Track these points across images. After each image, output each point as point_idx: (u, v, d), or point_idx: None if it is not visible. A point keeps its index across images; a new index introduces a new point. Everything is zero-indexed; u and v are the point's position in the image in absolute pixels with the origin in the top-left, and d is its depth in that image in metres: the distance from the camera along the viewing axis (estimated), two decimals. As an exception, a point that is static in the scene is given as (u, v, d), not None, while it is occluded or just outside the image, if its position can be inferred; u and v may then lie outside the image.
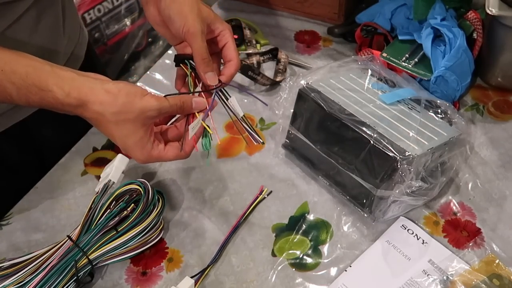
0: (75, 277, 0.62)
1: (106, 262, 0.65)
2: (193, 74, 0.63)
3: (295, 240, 0.69)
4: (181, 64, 0.64)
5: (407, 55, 0.82)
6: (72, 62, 0.81)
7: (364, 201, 0.67)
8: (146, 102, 0.56)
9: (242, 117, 0.63)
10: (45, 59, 0.73)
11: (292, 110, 0.74)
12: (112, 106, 0.54)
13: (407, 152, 0.62)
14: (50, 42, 0.74)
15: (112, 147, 0.83)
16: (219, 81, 0.62)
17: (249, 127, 0.63)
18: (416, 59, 0.81)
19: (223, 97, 0.63)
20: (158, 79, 0.95)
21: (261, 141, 0.63)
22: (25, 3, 0.67)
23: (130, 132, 0.56)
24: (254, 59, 0.92)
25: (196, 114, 0.61)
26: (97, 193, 0.68)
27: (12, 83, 0.53)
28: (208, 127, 0.62)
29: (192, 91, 0.62)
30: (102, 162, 0.79)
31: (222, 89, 0.63)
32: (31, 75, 0.54)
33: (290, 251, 0.68)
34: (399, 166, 0.61)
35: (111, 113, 0.55)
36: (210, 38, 0.63)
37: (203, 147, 0.63)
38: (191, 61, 0.62)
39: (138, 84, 0.94)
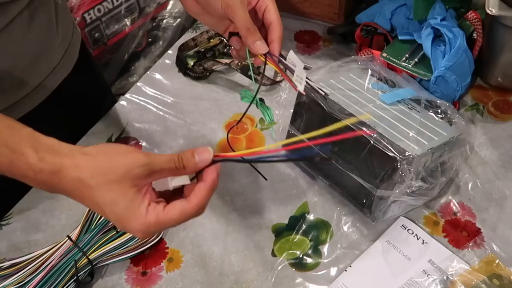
0: (75, 277, 0.62)
1: (106, 262, 0.65)
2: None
3: (295, 240, 0.69)
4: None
5: (407, 55, 0.82)
6: (66, 60, 0.81)
7: (364, 201, 0.67)
8: (131, 158, 0.46)
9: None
10: (39, 58, 0.74)
11: (292, 110, 0.74)
12: (90, 168, 0.46)
13: (407, 152, 0.62)
14: (44, 41, 0.74)
15: (112, 147, 0.83)
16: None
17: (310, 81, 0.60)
18: (416, 59, 0.81)
19: (280, 58, 0.60)
20: (158, 79, 0.95)
21: (327, 92, 0.59)
22: (19, 4, 0.67)
23: (118, 196, 0.46)
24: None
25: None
26: (97, 193, 0.68)
27: None
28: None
29: (248, 58, 0.60)
30: (102, 162, 0.79)
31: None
32: (5, 134, 0.48)
33: (290, 251, 0.68)
34: (399, 166, 0.61)
35: (90, 177, 0.46)
36: (252, 8, 0.61)
37: (268, 119, 0.60)
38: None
39: (138, 84, 0.94)
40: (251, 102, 0.59)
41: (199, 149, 0.49)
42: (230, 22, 0.61)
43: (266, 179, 0.72)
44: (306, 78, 0.58)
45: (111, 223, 0.64)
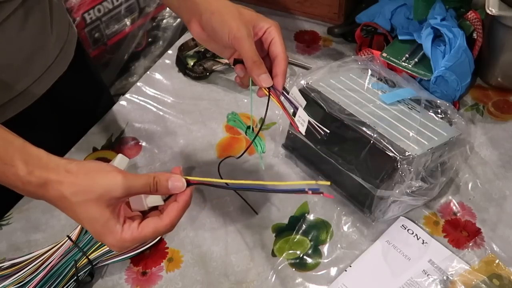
0: (75, 277, 0.62)
1: (106, 262, 0.65)
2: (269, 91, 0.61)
3: (295, 240, 0.69)
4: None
5: (407, 55, 0.82)
6: (62, 59, 0.81)
7: (364, 201, 0.67)
8: (110, 179, 0.49)
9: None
10: (33, 57, 0.74)
11: (292, 110, 0.74)
12: (72, 186, 0.49)
13: (407, 152, 0.62)
14: (38, 40, 0.74)
15: (113, 147, 0.83)
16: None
17: (311, 120, 0.60)
18: (416, 59, 0.81)
19: (283, 92, 0.60)
20: (158, 79, 0.95)
21: (327, 131, 0.60)
22: (14, 3, 0.67)
23: (96, 215, 0.49)
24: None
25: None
26: (97, 193, 0.68)
27: None
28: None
29: (251, 87, 0.61)
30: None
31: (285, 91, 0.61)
32: None
33: (290, 251, 0.68)
34: (399, 166, 0.61)
35: (72, 193, 0.49)
36: (258, 39, 0.62)
37: (258, 149, 0.61)
38: None
39: (138, 84, 0.94)
40: (252, 141, 0.61)
41: (173, 176, 0.52)
42: (235, 49, 0.61)
43: (257, 213, 0.72)
44: (309, 121, 0.60)
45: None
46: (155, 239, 0.52)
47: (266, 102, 0.61)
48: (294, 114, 0.60)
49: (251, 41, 0.59)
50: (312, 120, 0.60)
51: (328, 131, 0.60)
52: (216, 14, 0.60)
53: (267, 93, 0.59)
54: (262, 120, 0.58)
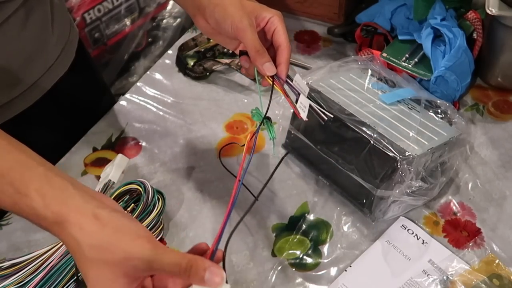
0: (75, 277, 0.62)
1: (106, 262, 0.65)
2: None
3: (295, 240, 0.69)
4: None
5: (407, 55, 0.82)
6: (63, 59, 0.81)
7: (364, 201, 0.67)
8: (136, 246, 0.42)
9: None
10: (34, 57, 0.73)
11: (292, 110, 0.74)
12: (93, 237, 0.42)
13: (407, 152, 0.62)
14: (39, 40, 0.74)
15: (113, 147, 0.83)
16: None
17: (316, 105, 0.61)
18: (416, 59, 0.81)
19: (287, 80, 0.61)
20: (158, 79, 0.95)
21: (331, 116, 0.60)
22: (15, 3, 0.67)
23: (106, 280, 0.42)
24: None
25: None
26: (97, 193, 0.68)
27: None
28: None
29: (257, 80, 0.61)
30: (102, 162, 0.79)
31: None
32: (14, 171, 0.44)
33: (290, 251, 0.68)
34: (399, 166, 0.61)
35: (89, 246, 0.42)
36: (262, 29, 0.63)
37: (270, 136, 0.60)
38: None
39: (138, 84, 0.94)
40: (261, 122, 0.60)
41: (213, 267, 0.42)
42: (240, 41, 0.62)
43: (257, 199, 0.72)
44: (310, 105, 0.60)
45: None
46: None
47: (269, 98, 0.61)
48: (297, 101, 0.60)
49: (254, 31, 0.59)
50: (314, 105, 0.60)
51: (332, 116, 0.60)
52: (219, 6, 0.60)
53: (271, 82, 0.60)
54: (267, 107, 0.59)
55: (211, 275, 0.41)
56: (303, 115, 0.60)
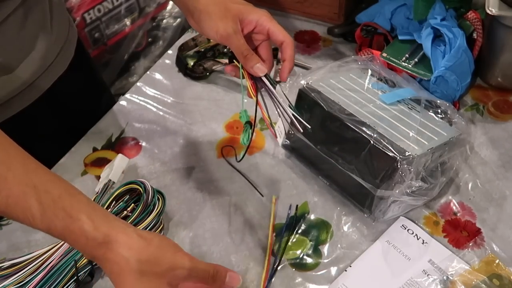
0: (75, 277, 0.62)
1: (106, 262, 0.65)
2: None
3: (295, 240, 0.69)
4: (234, 60, 0.64)
5: (407, 55, 0.82)
6: (62, 58, 0.81)
7: (364, 201, 0.67)
8: (178, 258, 0.50)
9: (289, 104, 0.61)
10: (32, 56, 0.73)
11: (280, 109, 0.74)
12: (141, 253, 0.48)
13: (407, 152, 0.62)
14: (37, 39, 0.74)
15: (112, 147, 0.83)
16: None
17: (295, 114, 0.61)
18: (416, 59, 0.81)
19: (269, 85, 0.61)
20: (158, 79, 0.95)
21: (309, 127, 0.61)
22: (13, 2, 0.67)
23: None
24: (254, 59, 0.92)
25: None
26: (97, 193, 0.68)
27: (41, 203, 0.48)
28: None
29: (241, 80, 0.62)
30: (102, 162, 0.79)
31: (267, 76, 0.62)
32: (64, 198, 0.49)
33: (290, 251, 0.67)
34: (399, 166, 0.61)
35: (138, 261, 0.48)
36: (252, 30, 0.63)
37: (242, 141, 0.62)
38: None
39: (138, 84, 0.94)
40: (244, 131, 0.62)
41: (232, 273, 0.54)
42: None
43: (262, 196, 0.73)
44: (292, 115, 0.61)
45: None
46: None
47: (268, 100, 0.62)
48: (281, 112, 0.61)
49: (239, 37, 0.60)
50: (295, 115, 0.61)
51: (310, 126, 0.61)
52: (204, 13, 0.61)
53: (254, 98, 0.61)
54: (255, 112, 0.60)
55: (231, 279, 0.53)
56: (279, 140, 0.60)
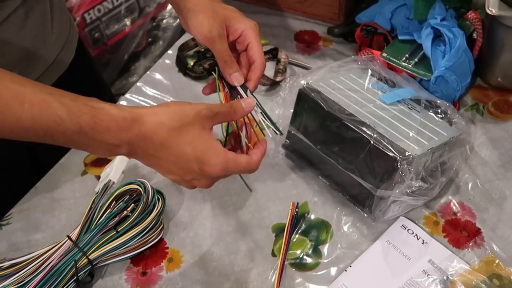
0: (75, 277, 0.62)
1: (106, 262, 0.65)
2: (221, 79, 0.63)
3: (295, 240, 0.69)
4: (212, 73, 0.64)
5: (407, 55, 0.82)
6: (62, 58, 0.81)
7: (364, 201, 0.67)
8: (196, 105, 0.54)
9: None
10: (34, 55, 0.74)
11: (292, 110, 0.74)
12: (167, 113, 0.52)
13: (407, 152, 0.62)
14: (39, 38, 0.74)
15: (112, 147, 0.83)
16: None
17: (267, 120, 0.62)
18: (416, 59, 0.81)
19: (243, 94, 0.62)
20: (158, 79, 0.95)
21: (281, 133, 0.62)
22: (14, 2, 0.67)
23: (196, 135, 0.52)
24: (254, 59, 0.92)
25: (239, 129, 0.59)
26: (97, 193, 0.68)
27: (62, 103, 0.49)
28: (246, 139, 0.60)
29: (218, 92, 0.62)
30: (102, 162, 0.79)
31: (243, 87, 0.62)
32: (80, 98, 0.51)
33: (290, 251, 0.67)
34: (399, 166, 0.61)
35: (169, 119, 0.51)
36: (236, 39, 0.63)
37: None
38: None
39: (138, 84, 0.94)
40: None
41: (245, 100, 0.58)
42: None
43: (250, 190, 0.73)
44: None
45: (111, 223, 0.64)
46: (244, 172, 0.59)
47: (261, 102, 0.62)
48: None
49: (223, 41, 0.60)
50: (266, 118, 0.61)
51: (281, 133, 0.62)
52: (191, 12, 0.61)
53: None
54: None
55: (246, 103, 0.58)
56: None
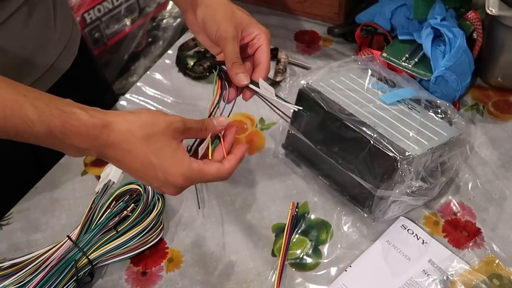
0: (75, 277, 0.62)
1: (106, 262, 0.65)
2: (220, 79, 0.63)
3: (295, 240, 0.69)
4: (213, 70, 0.64)
5: (407, 55, 0.82)
6: (65, 56, 0.81)
7: (364, 201, 0.67)
8: (170, 117, 0.54)
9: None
10: (36, 54, 0.74)
11: (291, 110, 0.74)
12: (138, 122, 0.52)
13: (407, 152, 0.62)
14: (42, 37, 0.74)
15: (112, 147, 0.83)
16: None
17: (284, 101, 0.62)
18: (416, 59, 0.81)
19: (254, 88, 0.62)
20: (158, 79, 0.95)
21: (301, 108, 0.63)
22: (17, 1, 0.67)
23: (163, 144, 0.52)
24: (254, 59, 0.92)
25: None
26: (97, 193, 0.68)
27: (35, 106, 0.50)
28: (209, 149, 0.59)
29: (215, 93, 0.62)
30: (102, 162, 0.79)
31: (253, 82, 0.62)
32: (54, 101, 0.51)
33: (290, 251, 0.68)
34: (399, 166, 0.61)
35: (139, 127, 0.52)
36: (246, 43, 0.63)
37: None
38: (223, 66, 0.62)
39: (138, 84, 0.94)
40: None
41: (218, 118, 0.59)
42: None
43: (199, 207, 0.73)
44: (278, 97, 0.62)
45: (111, 223, 0.64)
46: (214, 181, 0.57)
47: (262, 101, 0.63)
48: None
49: (235, 43, 0.60)
50: (282, 101, 0.62)
51: (302, 108, 0.63)
52: (210, 8, 0.61)
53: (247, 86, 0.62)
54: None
55: (218, 121, 0.59)
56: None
